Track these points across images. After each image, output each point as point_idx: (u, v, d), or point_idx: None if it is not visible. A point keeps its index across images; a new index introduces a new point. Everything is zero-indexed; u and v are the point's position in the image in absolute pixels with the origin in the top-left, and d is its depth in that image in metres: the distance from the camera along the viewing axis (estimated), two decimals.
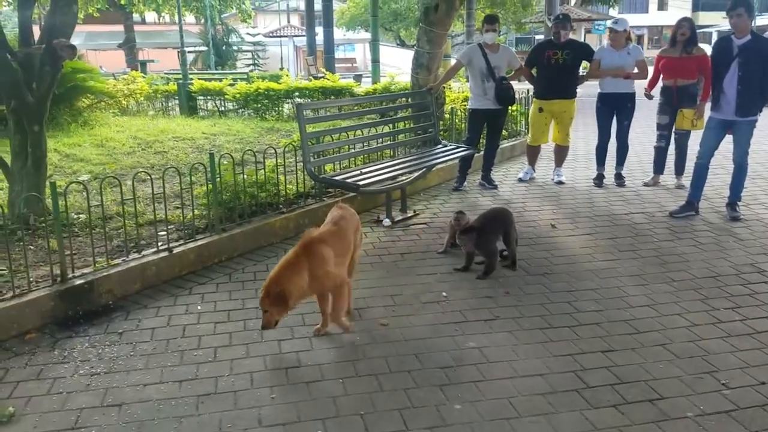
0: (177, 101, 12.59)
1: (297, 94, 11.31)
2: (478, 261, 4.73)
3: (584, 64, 7.77)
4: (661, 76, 7.01)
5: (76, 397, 3.10)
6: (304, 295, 3.58)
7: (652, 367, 3.32)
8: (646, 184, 7.23)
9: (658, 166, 7.34)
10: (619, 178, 7.43)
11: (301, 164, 5.69)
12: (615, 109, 7.23)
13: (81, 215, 5.11)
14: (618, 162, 7.47)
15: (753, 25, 6.84)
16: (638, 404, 2.99)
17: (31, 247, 4.54)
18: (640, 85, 7.11)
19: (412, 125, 7.46)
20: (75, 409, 3.00)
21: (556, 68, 7.19)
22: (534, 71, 7.54)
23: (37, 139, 4.88)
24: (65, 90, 9.01)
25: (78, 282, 3.99)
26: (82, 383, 3.22)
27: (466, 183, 7.29)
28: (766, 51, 5.60)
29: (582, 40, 26.40)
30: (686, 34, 6.63)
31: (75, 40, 5.15)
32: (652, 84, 7.22)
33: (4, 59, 4.78)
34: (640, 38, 46.73)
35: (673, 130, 7.07)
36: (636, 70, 7.05)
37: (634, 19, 8.50)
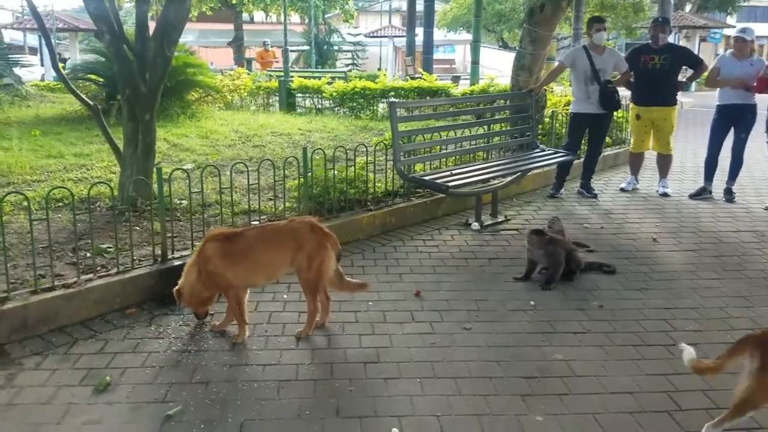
0: (277, 98, 12.99)
1: (392, 93, 11.36)
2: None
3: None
4: None
5: (168, 372, 3.25)
6: (199, 292, 3.58)
7: None
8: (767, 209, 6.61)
9: None
10: (729, 194, 6.97)
11: (391, 163, 5.70)
12: (733, 121, 6.79)
13: (183, 201, 5.36)
14: (730, 176, 7.01)
15: None
16: None
17: (137, 228, 4.81)
18: (761, 98, 6.61)
19: (509, 128, 7.31)
20: (165, 383, 3.14)
21: (653, 74, 6.87)
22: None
23: (148, 127, 5.17)
24: (176, 83, 9.49)
25: (177, 263, 4.17)
26: (174, 359, 3.38)
27: (563, 190, 7.07)
28: None
29: (696, 48, 25.00)
30: None
31: (188, 37, 5.42)
32: (759, 90, 6.57)
33: (122, 51, 5.10)
34: (760, 48, 43.68)
35: None
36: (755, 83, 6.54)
37: (755, 29, 7.94)
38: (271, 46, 21.55)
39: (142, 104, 5.14)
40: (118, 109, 7.19)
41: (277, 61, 20.60)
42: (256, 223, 4.98)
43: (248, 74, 14.03)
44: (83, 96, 5.68)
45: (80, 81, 9.83)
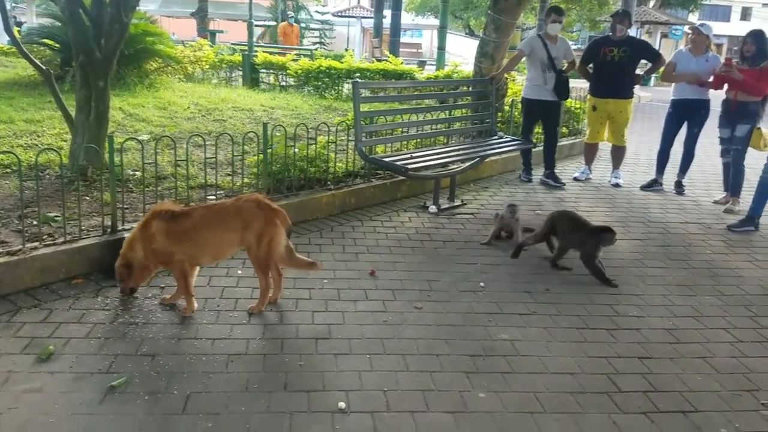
0: (240, 72, 12.78)
1: (358, 74, 11.28)
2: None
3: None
4: (726, 86, 6.61)
5: (113, 344, 3.21)
6: (146, 266, 3.60)
7: (689, 378, 3.21)
8: (716, 202, 6.76)
9: (728, 183, 6.79)
10: (679, 186, 7.18)
11: (353, 143, 5.70)
12: (687, 116, 6.95)
13: (137, 172, 5.26)
14: (681, 169, 7.21)
15: None
16: (670, 414, 2.89)
17: (87, 198, 4.70)
18: (714, 94, 6.80)
19: (469, 114, 7.37)
20: (110, 354, 3.11)
21: (611, 66, 6.97)
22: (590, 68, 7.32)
23: (101, 95, 5.04)
24: (134, 51, 9.23)
25: (127, 235, 4.11)
26: (120, 331, 3.34)
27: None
28: None
29: (657, 43, 25.52)
30: (751, 50, 6.26)
31: (150, 6, 5.29)
32: (715, 86, 6.72)
33: (77, 15, 4.95)
34: (719, 47, 44.86)
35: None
36: (711, 79, 6.71)
37: (714, 27, 8.14)
38: (296, 21, 19.87)
39: (96, 70, 5.00)
40: (73, 76, 6.97)
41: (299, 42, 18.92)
42: (213, 198, 4.93)
43: (211, 47, 13.73)
44: (36, 61, 5.49)
45: (35, 45, 9.49)
